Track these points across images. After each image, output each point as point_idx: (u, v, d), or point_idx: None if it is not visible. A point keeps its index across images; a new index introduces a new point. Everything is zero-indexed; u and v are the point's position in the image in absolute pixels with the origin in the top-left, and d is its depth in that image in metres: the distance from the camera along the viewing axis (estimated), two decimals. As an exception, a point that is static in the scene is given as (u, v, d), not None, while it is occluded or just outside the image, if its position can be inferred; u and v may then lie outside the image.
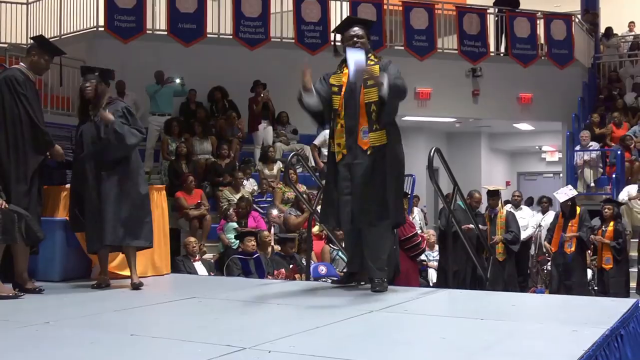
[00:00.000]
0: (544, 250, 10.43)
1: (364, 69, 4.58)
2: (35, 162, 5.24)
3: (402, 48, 14.13)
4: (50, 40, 10.69)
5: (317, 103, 4.82)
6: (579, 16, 16.40)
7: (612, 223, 9.32)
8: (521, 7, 15.57)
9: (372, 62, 4.83)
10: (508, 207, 10.04)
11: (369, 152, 4.67)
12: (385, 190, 4.68)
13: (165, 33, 12.71)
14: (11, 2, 13.25)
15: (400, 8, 14.25)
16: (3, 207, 4.73)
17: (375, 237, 4.77)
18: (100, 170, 5.21)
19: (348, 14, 13.73)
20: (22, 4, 13.35)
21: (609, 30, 16.90)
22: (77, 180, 5.35)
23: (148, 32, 12.67)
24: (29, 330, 3.63)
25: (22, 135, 5.21)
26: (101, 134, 5.23)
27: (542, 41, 15.09)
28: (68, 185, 5.67)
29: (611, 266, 9.24)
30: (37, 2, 13.31)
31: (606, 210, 9.46)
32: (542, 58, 15.00)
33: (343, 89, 4.81)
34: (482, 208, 10.20)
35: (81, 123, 5.43)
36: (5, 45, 11.79)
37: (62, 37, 12.63)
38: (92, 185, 5.22)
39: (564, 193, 9.66)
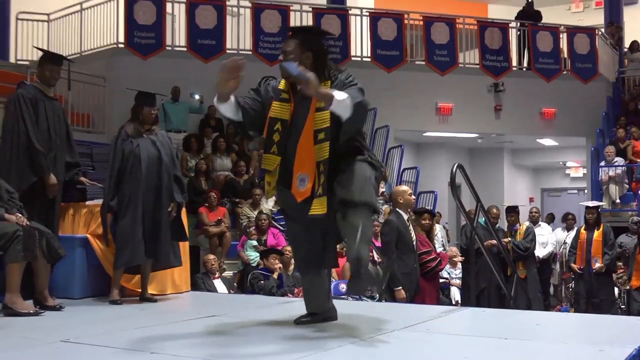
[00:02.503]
0: (570, 269, 10.36)
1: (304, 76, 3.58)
2: (27, 181, 5.26)
3: (423, 63, 14.15)
4: (71, 57, 10.90)
5: (234, 114, 3.89)
6: (603, 30, 16.32)
7: None
8: (543, 20, 15.54)
9: (321, 104, 3.78)
10: (527, 224, 10.00)
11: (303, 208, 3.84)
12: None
13: (185, 49, 12.85)
14: (32, 20, 13.46)
15: (421, 23, 14.28)
16: (24, 224, 4.80)
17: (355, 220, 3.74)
18: (165, 194, 5.51)
19: (368, 29, 13.82)
20: (43, 21, 13.57)
21: (634, 44, 16.80)
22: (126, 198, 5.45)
23: (167, 48, 12.82)
24: (49, 348, 3.66)
25: (18, 154, 5.28)
26: (162, 155, 5.50)
27: (565, 55, 15.04)
28: (89, 202, 5.73)
29: None
30: (58, 20, 13.53)
31: None
32: (566, 72, 14.94)
33: (288, 125, 3.94)
34: (503, 225, 10.17)
35: (127, 137, 5.51)
36: (27, 63, 11.97)
37: (83, 53, 12.82)
38: (154, 204, 5.44)
39: (592, 201, 9.68)
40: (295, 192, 3.85)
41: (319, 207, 3.78)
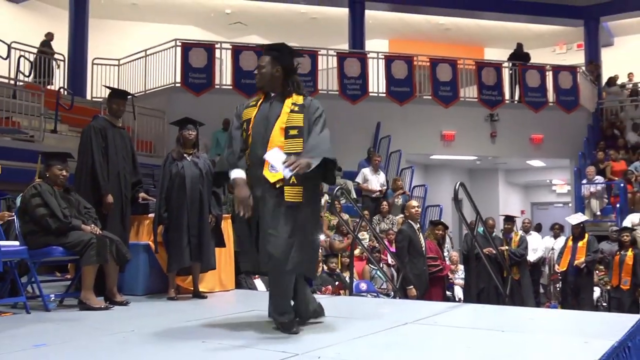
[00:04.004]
0: (556, 270, 10.19)
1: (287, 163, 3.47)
2: (90, 200, 5.26)
3: (430, 97, 14.13)
4: (137, 94, 11.05)
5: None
6: (583, 68, 16.17)
7: (630, 248, 8.92)
8: (532, 61, 15.47)
9: (295, 108, 3.77)
10: (520, 233, 9.84)
11: (277, 187, 3.61)
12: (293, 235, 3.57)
13: (231, 87, 12.96)
14: (105, 64, 13.71)
15: (428, 64, 14.28)
16: (97, 233, 4.84)
17: (276, 283, 3.70)
18: (206, 208, 5.54)
19: (383, 69, 13.83)
20: (114, 65, 13.80)
21: (611, 79, 16.63)
22: (174, 210, 5.48)
23: (216, 87, 12.93)
24: (117, 337, 3.67)
25: (86, 179, 5.34)
26: (203, 174, 5.52)
27: (551, 90, 14.91)
28: (150, 215, 5.76)
29: (629, 287, 8.85)
30: (126, 64, 13.74)
31: (624, 237, 8.95)
32: (551, 104, 14.80)
33: (251, 122, 3.78)
34: (499, 233, 10.03)
35: (173, 160, 5.56)
36: (100, 100, 12.17)
37: (147, 91, 13.00)
38: (198, 216, 5.46)
39: (576, 218, 9.52)
40: (267, 174, 3.62)
41: (294, 196, 3.59)
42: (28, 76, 12.08)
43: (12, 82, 11.37)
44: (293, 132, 3.71)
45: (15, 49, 12.24)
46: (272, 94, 3.87)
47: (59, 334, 3.79)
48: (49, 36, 13.77)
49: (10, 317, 4.46)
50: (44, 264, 5.29)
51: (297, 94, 3.88)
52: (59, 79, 13.16)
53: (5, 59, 12.02)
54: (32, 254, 4.71)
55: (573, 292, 9.15)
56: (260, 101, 3.88)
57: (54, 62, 13.39)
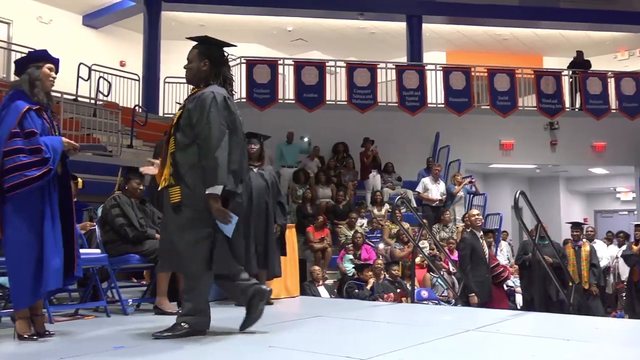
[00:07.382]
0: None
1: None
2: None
3: (488, 107, 13.86)
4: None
5: None
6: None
7: None
8: (593, 67, 14.93)
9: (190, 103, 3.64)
10: (588, 244, 9.44)
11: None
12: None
13: (294, 102, 13.10)
14: (176, 82, 14.10)
15: (486, 74, 14.02)
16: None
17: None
18: (271, 217, 5.56)
19: (442, 80, 13.68)
20: (184, 83, 14.09)
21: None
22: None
23: (279, 101, 13.10)
24: (190, 340, 3.70)
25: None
26: (268, 185, 5.56)
27: (613, 96, 14.34)
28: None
29: None
30: (195, 81, 14.09)
31: None
32: (614, 111, 14.23)
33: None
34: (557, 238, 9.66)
35: None
36: (172, 116, 12.50)
37: (214, 107, 13.26)
38: (264, 225, 5.49)
39: None
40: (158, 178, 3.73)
41: (174, 196, 3.55)
42: (106, 95, 12.58)
43: (92, 101, 11.88)
44: (171, 130, 3.64)
45: (95, 70, 12.79)
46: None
47: (136, 336, 3.89)
48: None
49: (92, 320, 4.64)
50: (122, 271, 5.47)
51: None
52: (135, 97, 13.64)
53: (87, 80, 12.58)
54: (111, 261, 4.89)
55: (640, 302, 8.74)
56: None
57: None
